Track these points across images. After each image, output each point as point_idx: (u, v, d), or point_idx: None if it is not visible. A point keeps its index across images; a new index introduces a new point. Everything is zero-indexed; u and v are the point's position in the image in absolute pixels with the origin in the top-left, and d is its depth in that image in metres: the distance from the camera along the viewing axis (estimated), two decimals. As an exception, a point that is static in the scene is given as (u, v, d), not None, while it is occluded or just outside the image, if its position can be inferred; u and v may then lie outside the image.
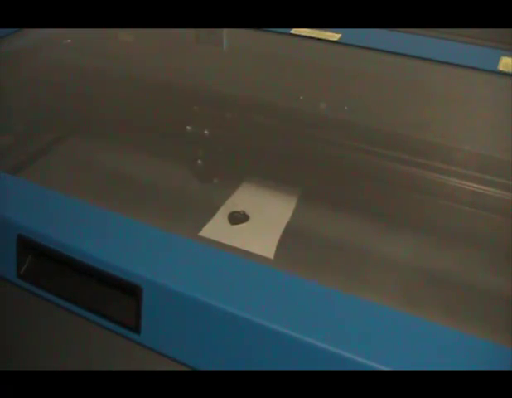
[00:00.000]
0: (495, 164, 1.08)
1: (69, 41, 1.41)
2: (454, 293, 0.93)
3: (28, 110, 1.27)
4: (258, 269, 0.72)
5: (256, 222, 1.05)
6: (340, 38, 1.23)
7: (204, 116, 1.26)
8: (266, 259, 0.95)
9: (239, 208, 1.07)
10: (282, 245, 0.99)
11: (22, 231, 0.77)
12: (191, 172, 1.20)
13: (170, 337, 0.70)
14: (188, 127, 1.26)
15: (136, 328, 0.71)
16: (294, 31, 1.26)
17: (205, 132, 1.24)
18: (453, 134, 1.15)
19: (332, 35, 1.25)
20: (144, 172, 1.18)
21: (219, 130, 1.23)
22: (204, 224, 1.02)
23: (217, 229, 1.02)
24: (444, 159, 1.09)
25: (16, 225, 0.78)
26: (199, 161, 1.21)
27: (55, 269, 0.77)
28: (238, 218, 1.05)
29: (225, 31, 1.37)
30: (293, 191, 1.13)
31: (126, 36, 1.43)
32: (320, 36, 1.24)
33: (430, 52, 1.19)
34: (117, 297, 0.72)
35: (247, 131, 1.21)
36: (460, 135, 1.15)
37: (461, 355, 0.61)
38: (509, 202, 1.02)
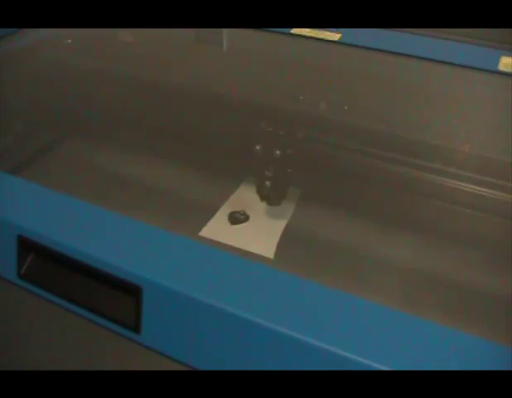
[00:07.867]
0: (495, 165, 1.08)
1: (69, 41, 1.41)
2: (454, 293, 0.93)
3: (28, 110, 1.27)
4: (258, 269, 0.72)
5: (256, 222, 1.05)
6: (340, 38, 1.23)
7: (203, 116, 1.26)
8: (266, 259, 0.95)
9: (239, 208, 1.07)
10: (282, 245, 0.99)
11: (22, 231, 0.77)
12: (191, 172, 1.20)
13: (170, 337, 0.70)
14: (188, 127, 1.25)
15: (136, 328, 0.71)
16: (294, 31, 1.26)
17: (205, 132, 1.24)
18: (453, 135, 1.15)
19: (332, 35, 1.24)
20: (144, 173, 1.18)
21: (219, 130, 1.23)
22: (204, 224, 1.02)
23: (217, 229, 1.02)
24: (444, 160, 1.09)
25: (16, 225, 0.78)
26: (199, 161, 1.21)
27: (55, 269, 0.77)
28: (238, 218, 1.05)
29: (225, 31, 1.37)
30: (293, 191, 1.13)
31: (126, 36, 1.43)
32: (320, 36, 1.24)
33: (430, 52, 1.18)
34: (117, 297, 0.72)
35: (246, 131, 1.21)
36: (460, 136, 1.15)
37: (460, 355, 0.61)
38: (509, 204, 1.02)
